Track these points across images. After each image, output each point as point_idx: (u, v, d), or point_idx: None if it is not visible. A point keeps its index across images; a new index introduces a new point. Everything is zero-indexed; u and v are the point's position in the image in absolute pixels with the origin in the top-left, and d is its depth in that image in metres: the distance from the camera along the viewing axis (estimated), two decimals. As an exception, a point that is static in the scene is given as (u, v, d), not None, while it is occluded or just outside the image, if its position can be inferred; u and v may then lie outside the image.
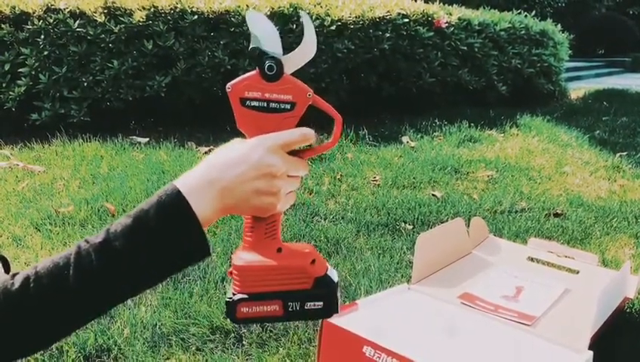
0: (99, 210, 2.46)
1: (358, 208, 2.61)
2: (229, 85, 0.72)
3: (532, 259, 1.95)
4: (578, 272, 1.81)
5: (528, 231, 2.44)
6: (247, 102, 0.71)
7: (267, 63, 0.71)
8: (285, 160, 0.71)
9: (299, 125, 0.73)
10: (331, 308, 0.71)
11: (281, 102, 0.71)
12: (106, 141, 3.49)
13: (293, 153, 0.73)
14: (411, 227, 2.44)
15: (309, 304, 0.70)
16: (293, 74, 0.74)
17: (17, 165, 3.05)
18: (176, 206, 0.65)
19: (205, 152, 3.39)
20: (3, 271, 0.89)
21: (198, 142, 3.62)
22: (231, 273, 0.73)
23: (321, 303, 0.70)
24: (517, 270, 1.84)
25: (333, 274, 0.73)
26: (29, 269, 0.62)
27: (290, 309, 0.70)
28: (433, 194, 2.83)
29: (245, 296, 0.70)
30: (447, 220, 2.52)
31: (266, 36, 0.72)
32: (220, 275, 1.91)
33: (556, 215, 2.65)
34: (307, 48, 0.74)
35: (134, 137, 3.60)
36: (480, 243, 2.06)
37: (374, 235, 2.34)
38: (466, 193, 2.91)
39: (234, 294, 0.71)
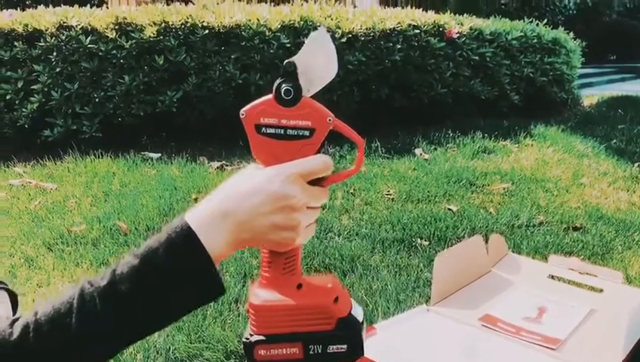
0: (111, 229, 2.44)
1: (373, 223, 2.57)
2: (242, 111, 0.68)
3: (553, 277, 1.90)
4: (602, 291, 1.75)
5: (547, 246, 2.39)
6: (263, 128, 0.67)
7: (284, 87, 0.66)
8: (305, 190, 0.66)
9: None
10: (356, 351, 0.67)
11: (299, 128, 0.67)
12: (118, 157, 3.48)
13: (313, 182, 0.68)
14: (427, 243, 2.39)
15: (331, 347, 0.66)
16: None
17: (30, 183, 3.05)
18: (187, 244, 0.61)
19: (217, 167, 3.37)
20: (10, 306, 0.86)
21: (210, 157, 3.61)
22: (248, 311, 0.69)
23: (345, 346, 0.66)
24: (538, 289, 1.78)
25: (358, 313, 0.69)
26: (29, 315, 0.58)
27: (311, 352, 0.65)
28: (449, 209, 2.79)
29: (263, 338, 0.66)
30: (463, 235, 2.48)
31: (314, 62, 0.68)
32: (233, 296, 1.87)
33: (575, 229, 2.59)
34: (328, 68, 0.70)
35: (146, 153, 3.59)
36: (499, 260, 2.01)
37: (390, 252, 2.30)
38: (482, 206, 2.86)
39: (251, 335, 0.66)
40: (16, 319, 0.58)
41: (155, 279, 0.59)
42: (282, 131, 0.67)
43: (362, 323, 0.69)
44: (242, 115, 0.68)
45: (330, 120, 0.68)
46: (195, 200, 2.78)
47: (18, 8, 4.35)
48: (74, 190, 2.94)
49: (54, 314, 0.57)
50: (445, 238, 2.45)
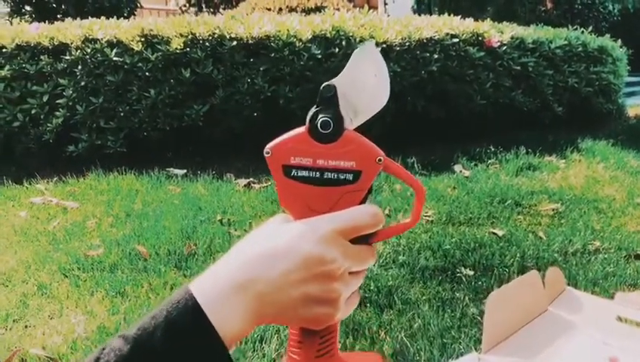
0: (130, 254, 2.29)
1: (411, 250, 2.36)
2: (268, 148, 0.54)
3: (621, 319, 1.66)
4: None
5: (607, 277, 2.14)
6: (294, 171, 0.54)
7: (321, 118, 0.52)
8: (347, 251, 0.52)
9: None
10: None
11: (340, 170, 0.53)
12: (142, 174, 3.34)
13: (357, 239, 0.53)
14: (472, 273, 2.17)
15: None
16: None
17: (51, 201, 2.93)
18: (192, 325, 0.46)
19: (245, 185, 3.21)
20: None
21: (238, 174, 3.44)
22: None
23: None
24: (606, 334, 1.55)
25: None
26: None
27: None
28: (493, 233, 2.55)
29: None
30: (511, 264, 2.25)
31: (360, 85, 0.54)
32: (258, 334, 1.69)
33: (637, 257, 2.33)
34: (378, 92, 0.55)
35: (171, 169, 3.45)
36: (556, 297, 1.78)
37: (431, 283, 2.08)
38: (530, 230, 2.62)
39: None
40: None
41: None
42: (318, 174, 0.54)
43: None
44: (267, 153, 0.54)
45: (380, 160, 0.54)
46: (220, 221, 2.61)
47: (47, 21, 4.29)
48: (95, 209, 2.81)
49: None
50: (492, 267, 2.22)
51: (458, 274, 2.15)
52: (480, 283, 2.09)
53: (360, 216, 0.53)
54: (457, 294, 2.00)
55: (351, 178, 0.53)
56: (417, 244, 2.40)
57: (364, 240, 0.54)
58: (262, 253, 0.50)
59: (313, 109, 0.54)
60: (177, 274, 2.15)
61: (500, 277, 2.14)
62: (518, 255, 2.31)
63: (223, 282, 0.49)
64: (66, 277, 2.16)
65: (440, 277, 2.13)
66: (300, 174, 0.54)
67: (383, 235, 0.57)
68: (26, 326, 1.86)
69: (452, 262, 2.24)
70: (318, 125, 0.52)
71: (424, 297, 1.98)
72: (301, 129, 0.54)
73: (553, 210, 2.88)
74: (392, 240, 2.44)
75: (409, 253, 2.32)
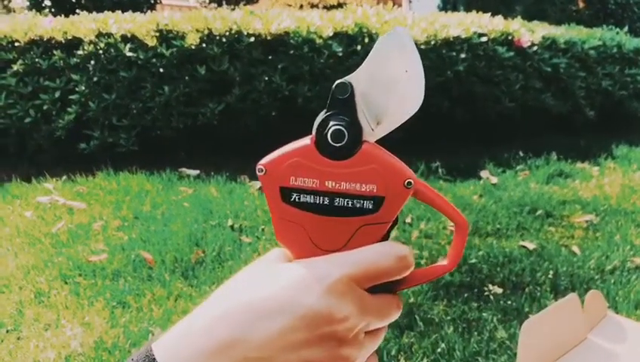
0: (134, 260, 2.16)
1: (435, 262, 2.18)
2: (261, 165, 0.42)
3: (672, 352, 1.48)
4: None
5: (651, 299, 1.95)
6: (294, 195, 0.42)
7: (332, 126, 0.40)
8: (363, 305, 0.39)
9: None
10: None
11: (356, 196, 0.41)
12: (153, 174, 3.22)
13: (378, 286, 0.41)
14: (501, 290, 1.99)
15: None
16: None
17: (57, 201, 2.81)
18: None
19: (259, 188, 3.06)
20: None
21: (252, 176, 3.30)
22: None
23: None
24: (656, 369, 1.38)
25: None
26: None
27: None
28: (523, 246, 2.37)
29: None
30: (543, 281, 2.07)
31: (386, 83, 0.41)
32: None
33: (683, 276, 2.13)
34: (410, 92, 0.41)
35: (184, 169, 3.32)
36: (597, 324, 1.60)
37: (456, 301, 1.91)
38: (563, 244, 2.43)
39: None
40: None
41: None
42: (327, 201, 0.41)
43: None
44: (260, 171, 0.43)
45: (409, 183, 0.41)
46: (232, 227, 2.47)
47: (65, 15, 4.19)
48: (102, 211, 2.69)
49: None
50: (522, 285, 2.05)
51: (485, 292, 1.98)
52: (509, 302, 1.93)
53: (382, 259, 0.40)
54: (484, 314, 1.84)
55: (370, 206, 0.41)
56: (441, 257, 2.23)
57: (386, 287, 0.41)
58: (250, 304, 0.37)
59: (322, 115, 0.41)
60: (183, 284, 2.01)
61: (532, 296, 1.96)
62: (550, 272, 2.13)
63: (197, 342, 0.36)
64: (66, 283, 2.04)
65: (466, 295, 1.96)
66: (302, 200, 0.41)
67: (411, 281, 0.44)
68: (18, 338, 1.74)
69: (479, 278, 2.07)
70: (329, 136, 0.40)
71: (448, 317, 1.81)
72: (305, 140, 0.41)
73: (587, 221, 2.69)
74: (414, 252, 2.28)
75: (432, 267, 2.16)
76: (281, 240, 0.43)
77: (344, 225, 0.41)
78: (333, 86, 0.40)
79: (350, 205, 0.41)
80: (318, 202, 0.41)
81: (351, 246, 0.41)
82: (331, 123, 0.40)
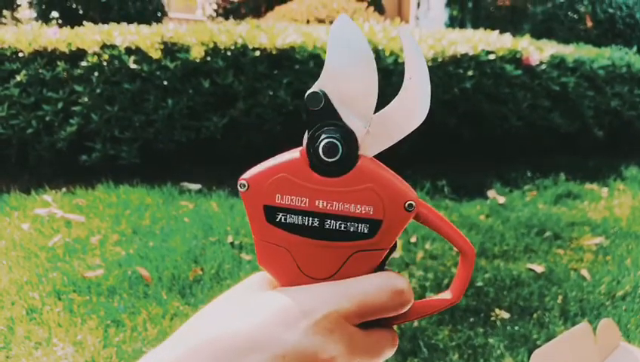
0: (130, 277, 2.11)
1: (440, 285, 2.12)
2: (243, 180, 0.39)
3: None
4: None
5: (665, 328, 1.88)
6: (280, 215, 0.37)
7: (324, 139, 0.36)
8: (354, 344, 0.35)
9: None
10: None
11: (350, 218, 0.37)
12: (154, 188, 3.17)
13: (370, 323, 0.37)
14: (508, 315, 1.92)
15: None
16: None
17: (56, 213, 2.77)
18: None
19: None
20: None
21: (255, 191, 3.25)
22: None
23: None
24: (673, 405, 1.30)
25: None
26: None
27: None
28: (531, 269, 2.30)
29: None
30: (552, 306, 2.00)
31: (347, 74, 0.36)
32: None
33: (698, 304, 2.06)
34: (414, 103, 0.40)
35: (185, 183, 3.27)
36: (609, 354, 1.53)
37: (461, 326, 1.84)
38: (572, 267, 2.36)
39: None
40: None
41: None
42: (317, 222, 0.37)
43: None
44: (242, 186, 0.39)
45: (410, 206, 0.37)
46: (232, 244, 2.41)
47: (71, 27, 4.18)
48: (100, 224, 2.64)
49: None
50: (530, 309, 1.98)
51: (492, 317, 1.91)
52: (517, 327, 1.86)
53: (377, 293, 0.35)
54: (491, 340, 1.77)
55: (366, 230, 0.37)
56: (446, 279, 2.16)
57: (380, 320, 0.37)
58: (224, 340, 0.32)
59: (310, 130, 0.37)
60: (180, 303, 1.95)
61: (540, 322, 1.89)
62: (559, 296, 2.06)
63: None
64: (60, 300, 1.99)
65: (472, 320, 1.89)
66: (289, 220, 0.37)
67: (410, 316, 0.39)
68: (7, 357, 1.68)
69: (485, 302, 2.00)
70: (320, 150, 0.36)
71: (453, 343, 1.75)
72: (294, 153, 0.37)
73: (597, 244, 2.62)
74: (418, 274, 2.22)
75: (437, 289, 2.09)
76: (264, 264, 0.38)
77: (335, 251, 0.37)
78: (305, 99, 0.36)
79: (343, 228, 0.37)
80: (306, 224, 0.37)
81: (342, 274, 0.36)
82: (323, 136, 0.35)
